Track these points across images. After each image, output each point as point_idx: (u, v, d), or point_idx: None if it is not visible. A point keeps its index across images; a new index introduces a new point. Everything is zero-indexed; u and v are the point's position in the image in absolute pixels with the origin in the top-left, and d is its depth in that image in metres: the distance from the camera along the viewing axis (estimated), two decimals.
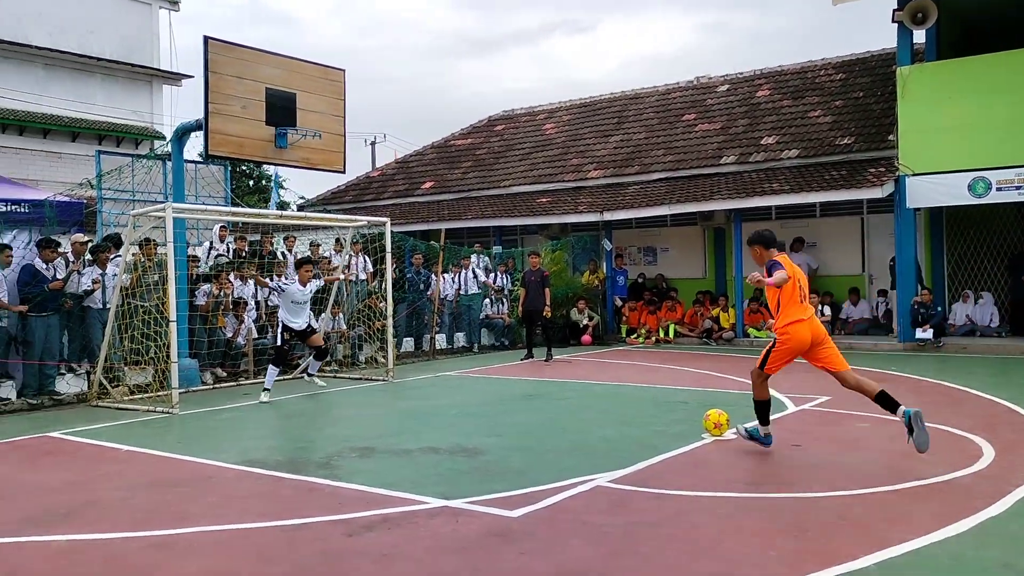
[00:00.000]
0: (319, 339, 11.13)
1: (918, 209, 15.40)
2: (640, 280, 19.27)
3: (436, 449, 7.04)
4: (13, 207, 10.53)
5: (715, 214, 17.06)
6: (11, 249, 10.08)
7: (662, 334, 17.36)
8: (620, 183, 19.44)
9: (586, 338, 17.43)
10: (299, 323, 10.63)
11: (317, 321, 12.31)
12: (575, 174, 20.45)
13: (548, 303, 14.61)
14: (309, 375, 11.28)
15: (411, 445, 7.25)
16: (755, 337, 16.51)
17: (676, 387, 10.72)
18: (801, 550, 4.39)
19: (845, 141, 17.10)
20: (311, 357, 11.36)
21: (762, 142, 18.35)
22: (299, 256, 14.78)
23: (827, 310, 15.91)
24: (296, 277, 10.86)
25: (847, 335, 16.24)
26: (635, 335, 17.59)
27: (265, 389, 10.22)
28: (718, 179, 17.78)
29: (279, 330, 10.67)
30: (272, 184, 29.31)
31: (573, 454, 6.80)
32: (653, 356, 14.88)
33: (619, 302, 18.50)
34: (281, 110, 11.93)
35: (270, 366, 10.50)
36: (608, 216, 17.69)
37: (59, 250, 10.62)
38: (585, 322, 17.62)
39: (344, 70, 13.00)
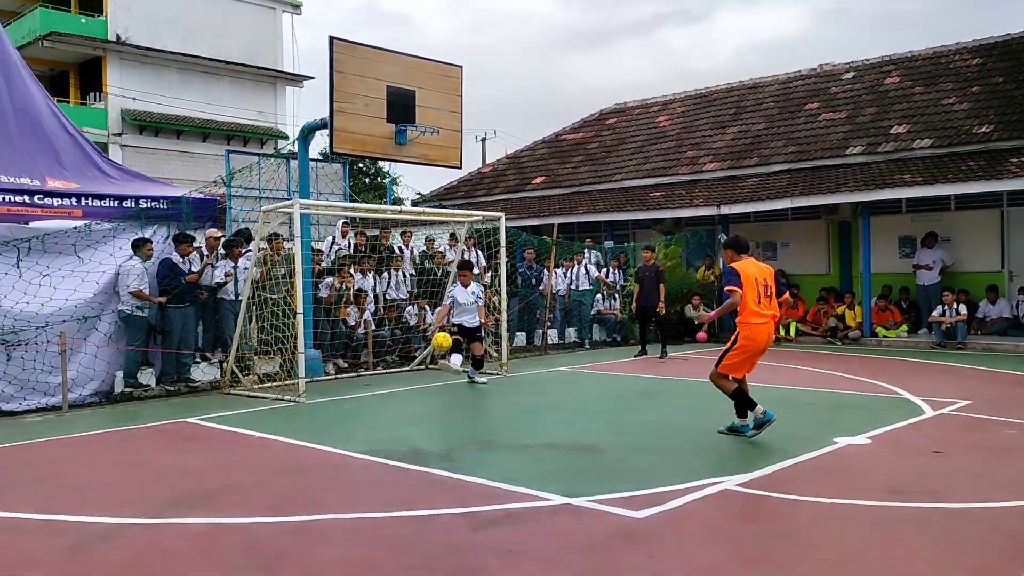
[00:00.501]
0: (480, 348, 11.38)
1: None
2: None
3: (555, 445, 7.00)
4: (153, 203, 11.09)
5: (840, 207, 16.32)
6: (151, 243, 10.63)
7: (783, 332, 16.77)
8: (738, 175, 18.90)
9: (702, 335, 16.85)
10: (469, 320, 11.20)
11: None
12: (690, 167, 20.01)
13: (663, 299, 14.35)
14: (471, 378, 11.36)
15: (530, 440, 7.24)
16: (883, 336, 15.74)
17: (801, 388, 10.31)
18: (952, 565, 4.11)
19: (983, 130, 16.04)
20: (471, 365, 11.49)
21: (891, 131, 17.43)
22: (417, 252, 15.08)
23: (963, 309, 14.96)
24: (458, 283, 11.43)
25: (984, 335, 15.25)
26: None
27: (463, 371, 11.06)
28: (844, 171, 17.00)
29: (452, 325, 11.28)
30: (390, 180, 30.05)
31: (697, 455, 6.63)
32: (774, 355, 14.30)
33: None
34: (401, 107, 12.11)
35: (453, 355, 10.80)
36: (725, 210, 17.20)
37: (194, 244, 11.16)
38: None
39: (461, 66, 13.11)
